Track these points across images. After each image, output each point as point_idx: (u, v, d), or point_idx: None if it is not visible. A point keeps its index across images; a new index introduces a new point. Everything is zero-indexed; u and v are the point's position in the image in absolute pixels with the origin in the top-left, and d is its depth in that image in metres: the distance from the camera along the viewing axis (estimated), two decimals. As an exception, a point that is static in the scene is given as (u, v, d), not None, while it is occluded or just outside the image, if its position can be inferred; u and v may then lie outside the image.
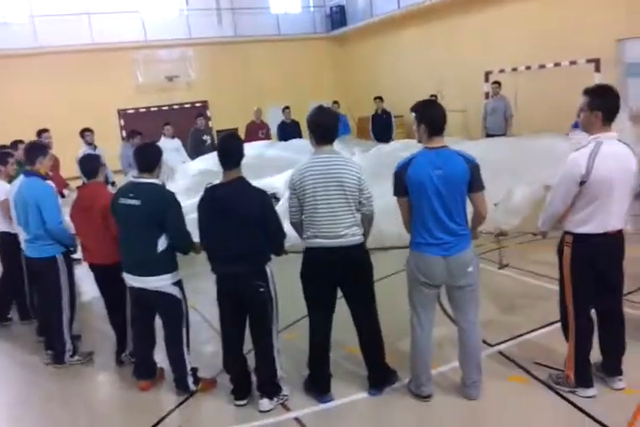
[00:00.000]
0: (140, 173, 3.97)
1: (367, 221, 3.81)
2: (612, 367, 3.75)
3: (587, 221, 3.46)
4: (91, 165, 4.59)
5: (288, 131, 11.69)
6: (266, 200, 3.66)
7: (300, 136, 11.15)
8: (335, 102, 12.67)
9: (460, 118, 12.55)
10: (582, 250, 3.52)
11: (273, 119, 12.91)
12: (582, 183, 3.36)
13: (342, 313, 3.90)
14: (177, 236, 3.89)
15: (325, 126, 3.72)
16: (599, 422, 3.39)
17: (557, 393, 3.72)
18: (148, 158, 3.98)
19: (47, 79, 14.77)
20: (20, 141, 6.94)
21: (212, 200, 3.66)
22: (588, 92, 3.46)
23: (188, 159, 10.54)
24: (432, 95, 11.64)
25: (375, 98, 12.33)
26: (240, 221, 3.57)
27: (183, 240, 3.92)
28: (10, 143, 7.16)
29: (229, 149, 3.69)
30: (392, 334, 4.09)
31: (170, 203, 3.87)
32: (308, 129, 3.75)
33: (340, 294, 3.84)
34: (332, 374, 3.95)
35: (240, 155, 3.67)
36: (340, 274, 3.72)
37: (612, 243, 3.53)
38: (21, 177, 4.72)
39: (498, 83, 10.87)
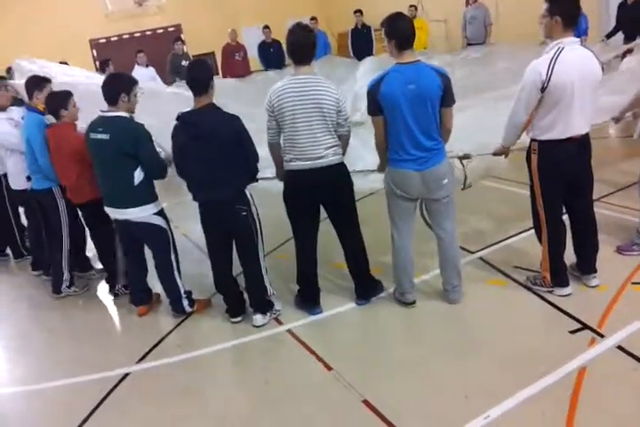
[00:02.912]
0: (108, 107, 3.90)
1: (344, 142, 3.81)
2: (586, 266, 3.89)
3: (550, 127, 3.47)
4: (54, 103, 4.38)
5: (269, 51, 11.29)
6: (239, 124, 3.63)
7: (282, 57, 10.46)
8: (313, 18, 11.91)
9: (442, 28, 12.18)
10: (548, 156, 3.55)
11: (249, 40, 12.46)
12: (543, 89, 3.35)
13: (327, 231, 4.01)
14: (151, 164, 3.89)
15: (302, 46, 3.61)
16: (574, 318, 3.56)
17: (535, 293, 3.89)
18: (111, 90, 3.87)
19: (17, 11, 14.11)
20: None
21: (185, 127, 3.63)
22: None
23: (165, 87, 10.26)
24: (411, 6, 11.21)
25: (355, 11, 11.82)
26: (215, 145, 3.57)
27: (157, 167, 3.93)
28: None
29: (197, 76, 3.61)
30: (375, 247, 4.19)
31: (138, 134, 3.83)
32: (286, 49, 3.67)
33: (323, 214, 3.92)
34: (321, 288, 4.10)
35: (209, 81, 3.60)
36: (322, 193, 3.77)
37: (578, 147, 3.54)
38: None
39: (476, -11, 10.51)
